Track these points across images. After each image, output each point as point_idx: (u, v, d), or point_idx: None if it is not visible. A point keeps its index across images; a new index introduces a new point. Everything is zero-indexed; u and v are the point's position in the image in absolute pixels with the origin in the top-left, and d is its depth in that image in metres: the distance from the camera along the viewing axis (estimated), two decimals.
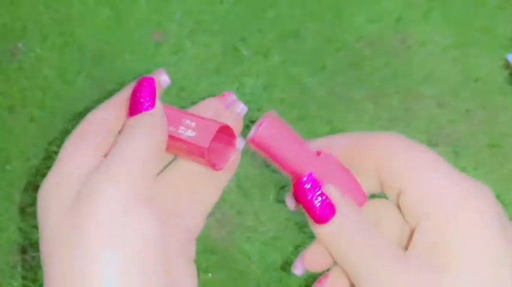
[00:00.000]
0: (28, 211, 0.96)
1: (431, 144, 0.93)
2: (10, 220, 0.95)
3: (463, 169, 0.90)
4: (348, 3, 0.96)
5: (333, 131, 0.92)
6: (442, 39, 0.94)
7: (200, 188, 0.28)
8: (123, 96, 0.29)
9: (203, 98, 1.00)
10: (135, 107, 0.26)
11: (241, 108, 0.31)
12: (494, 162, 0.89)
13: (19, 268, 0.94)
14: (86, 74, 0.99)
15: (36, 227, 0.97)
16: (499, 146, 0.90)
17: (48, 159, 0.96)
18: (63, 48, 1.00)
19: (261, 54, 0.96)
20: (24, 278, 0.94)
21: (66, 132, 0.96)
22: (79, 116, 1.00)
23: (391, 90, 0.93)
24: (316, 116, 0.93)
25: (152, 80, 0.28)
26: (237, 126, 0.30)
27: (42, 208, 0.24)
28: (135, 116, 0.26)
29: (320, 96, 0.94)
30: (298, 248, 0.89)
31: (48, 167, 1.07)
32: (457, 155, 0.90)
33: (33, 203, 0.98)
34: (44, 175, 1.04)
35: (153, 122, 0.26)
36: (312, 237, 0.93)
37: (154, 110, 0.26)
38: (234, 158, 0.30)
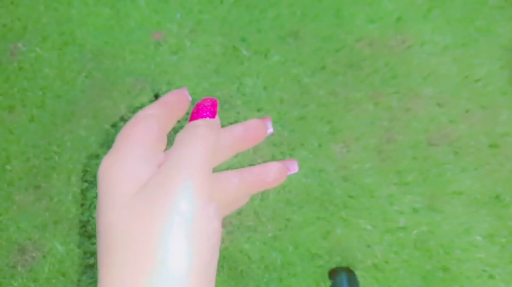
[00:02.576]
0: (28, 211, 0.96)
1: (431, 144, 0.93)
2: (10, 220, 0.95)
3: (463, 169, 0.90)
4: (348, 3, 0.96)
5: (333, 131, 0.92)
6: (442, 39, 0.94)
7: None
8: (170, 98, 0.32)
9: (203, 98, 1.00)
10: (198, 114, 0.30)
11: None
12: (494, 162, 0.89)
13: (19, 268, 0.94)
14: (86, 74, 0.99)
15: (36, 227, 0.97)
16: (499, 146, 0.90)
17: (48, 159, 0.97)
18: (63, 48, 1.00)
19: (261, 54, 0.96)
20: (24, 278, 0.94)
21: (66, 133, 0.97)
22: (79, 116, 1.00)
23: (391, 90, 0.93)
24: (316, 116, 0.93)
25: (215, 99, 0.31)
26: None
27: (110, 184, 0.26)
28: (200, 119, 0.29)
29: (320, 96, 0.94)
30: (298, 248, 0.89)
31: (49, 167, 1.06)
32: (457, 155, 0.90)
33: (33, 203, 0.98)
34: (44, 175, 1.03)
35: (214, 127, 0.29)
36: (312, 239, 0.93)
37: (214, 119, 0.30)
38: (278, 175, 0.32)
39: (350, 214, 0.88)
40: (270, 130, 0.32)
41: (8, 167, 0.96)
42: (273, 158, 0.91)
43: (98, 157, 0.95)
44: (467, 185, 0.88)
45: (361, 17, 0.95)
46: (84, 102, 0.97)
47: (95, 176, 0.95)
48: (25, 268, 0.93)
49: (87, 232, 0.93)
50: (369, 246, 0.87)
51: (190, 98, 0.32)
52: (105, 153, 0.95)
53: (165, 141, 0.29)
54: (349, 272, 0.84)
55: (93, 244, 0.93)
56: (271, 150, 0.92)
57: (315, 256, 0.88)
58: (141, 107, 0.97)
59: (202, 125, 0.28)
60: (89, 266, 0.92)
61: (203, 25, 0.98)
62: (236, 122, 0.96)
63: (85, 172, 0.95)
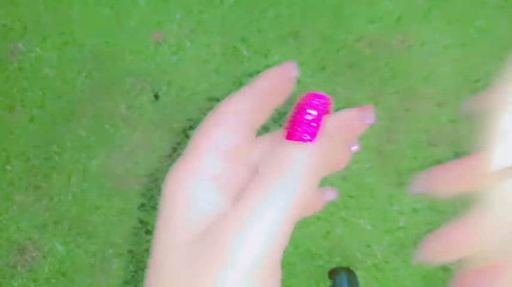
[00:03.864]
0: (28, 211, 0.96)
1: (431, 144, 0.93)
2: (10, 220, 0.95)
3: None
4: (348, 3, 0.96)
5: None
6: (442, 39, 0.94)
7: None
8: (263, 83, 0.23)
9: (203, 98, 1.00)
10: (298, 128, 0.21)
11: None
12: None
13: (19, 268, 0.94)
14: (86, 74, 0.99)
15: (36, 227, 0.97)
16: None
17: (48, 159, 0.97)
18: (63, 48, 1.00)
19: (261, 54, 0.96)
20: (24, 278, 0.94)
21: (66, 133, 0.97)
22: (79, 116, 1.00)
23: (391, 90, 0.93)
24: None
25: (328, 99, 0.22)
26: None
27: (175, 208, 0.20)
28: (298, 144, 0.20)
29: None
30: (298, 248, 0.89)
31: (49, 167, 1.06)
32: (457, 155, 0.90)
33: (33, 203, 0.98)
34: (44, 175, 1.03)
35: (319, 160, 0.21)
36: (312, 239, 0.92)
37: (322, 142, 0.21)
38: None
39: (350, 214, 0.88)
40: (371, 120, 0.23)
41: (8, 167, 0.96)
42: None
43: (98, 157, 0.95)
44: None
45: (361, 17, 0.95)
46: (84, 102, 0.97)
47: (95, 176, 0.95)
48: (25, 268, 0.93)
49: (87, 232, 0.93)
50: (368, 246, 0.87)
51: (295, 74, 0.23)
52: (105, 153, 0.95)
53: (252, 142, 0.22)
54: (349, 272, 0.84)
55: (93, 244, 0.93)
56: None
57: (315, 256, 0.88)
58: (141, 107, 0.97)
59: (303, 162, 0.20)
60: (89, 266, 0.92)
61: (203, 25, 0.98)
62: None
63: (85, 172, 0.95)
